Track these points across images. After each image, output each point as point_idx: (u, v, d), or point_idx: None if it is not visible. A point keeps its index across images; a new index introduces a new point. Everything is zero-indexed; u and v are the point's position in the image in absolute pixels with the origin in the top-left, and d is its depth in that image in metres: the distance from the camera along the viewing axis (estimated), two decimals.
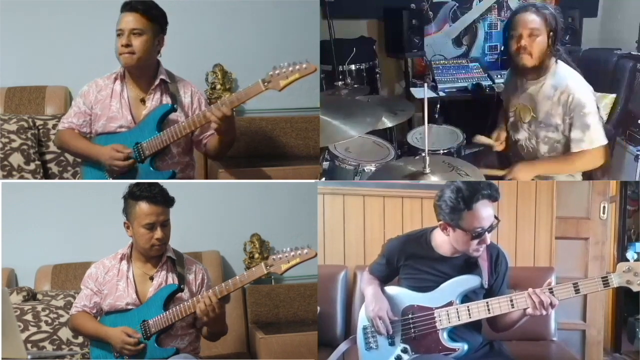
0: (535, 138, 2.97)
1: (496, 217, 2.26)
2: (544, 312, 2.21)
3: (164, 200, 2.51)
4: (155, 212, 2.49)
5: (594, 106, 2.81)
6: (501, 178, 2.90)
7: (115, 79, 2.77)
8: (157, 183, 2.54)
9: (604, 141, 2.84)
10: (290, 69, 2.56)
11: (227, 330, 2.71)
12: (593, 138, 2.80)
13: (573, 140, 2.83)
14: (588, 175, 3.06)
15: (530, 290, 2.22)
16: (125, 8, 2.66)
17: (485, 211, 2.22)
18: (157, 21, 2.70)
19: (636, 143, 3.54)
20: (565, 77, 2.84)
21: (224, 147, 2.82)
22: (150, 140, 2.68)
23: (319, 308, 3.17)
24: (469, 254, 2.32)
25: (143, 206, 2.49)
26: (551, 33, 2.80)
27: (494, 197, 2.24)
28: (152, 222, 2.49)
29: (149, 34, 2.66)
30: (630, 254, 3.57)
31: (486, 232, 2.25)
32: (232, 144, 2.86)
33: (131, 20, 2.64)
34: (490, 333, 2.47)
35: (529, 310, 2.22)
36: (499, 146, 3.19)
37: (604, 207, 3.66)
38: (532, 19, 2.80)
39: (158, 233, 2.50)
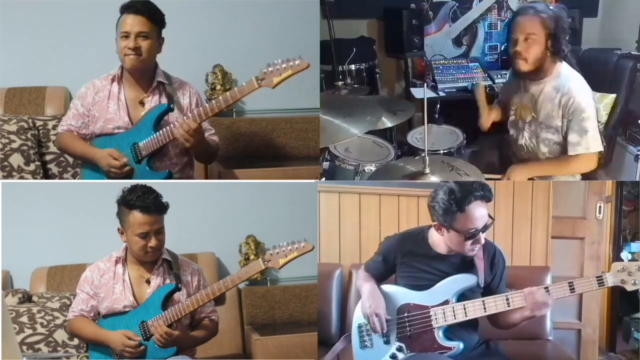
0: (535, 138, 2.98)
1: (490, 217, 2.26)
2: (538, 313, 2.22)
3: (157, 209, 2.49)
4: (149, 222, 2.48)
5: (593, 111, 2.82)
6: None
7: (113, 80, 2.77)
8: (151, 190, 2.51)
9: (600, 147, 2.86)
10: (284, 65, 2.55)
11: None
12: (590, 143, 2.81)
13: (570, 143, 2.84)
14: (587, 175, 3.06)
15: (526, 290, 2.22)
16: (130, 10, 2.65)
17: (478, 212, 2.21)
18: (160, 24, 2.71)
19: (636, 143, 3.54)
20: (568, 79, 2.83)
21: (200, 158, 2.88)
22: (147, 140, 2.68)
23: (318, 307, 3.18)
24: (464, 254, 2.32)
25: (137, 215, 2.47)
26: (550, 37, 2.77)
27: (487, 197, 2.23)
28: (146, 231, 2.48)
29: (153, 37, 2.67)
30: (624, 254, 3.57)
31: (480, 233, 2.24)
32: (208, 154, 2.89)
33: (137, 24, 2.63)
34: (486, 332, 2.47)
35: (526, 313, 2.22)
36: (486, 122, 3.19)
37: (600, 207, 3.67)
38: (529, 24, 2.78)
39: (152, 241, 2.50)
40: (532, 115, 2.95)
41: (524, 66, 2.83)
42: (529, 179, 2.98)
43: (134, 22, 2.63)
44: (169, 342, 2.48)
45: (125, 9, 2.66)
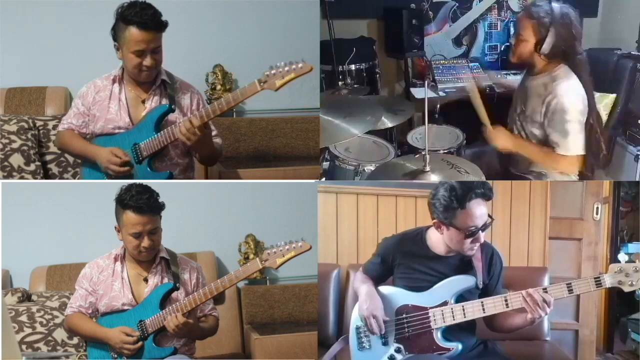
0: (523, 131, 2.98)
1: (490, 216, 2.27)
2: (542, 313, 2.21)
3: (150, 209, 2.48)
4: (142, 222, 2.48)
5: (577, 115, 2.78)
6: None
7: (114, 80, 2.75)
8: (146, 190, 2.51)
9: (581, 151, 2.83)
10: (287, 68, 2.52)
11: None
12: (570, 146, 2.80)
13: (552, 142, 2.83)
14: (585, 176, 3.06)
15: (524, 292, 2.22)
16: (141, 26, 2.53)
17: (478, 210, 2.23)
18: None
19: (636, 143, 3.55)
20: (560, 79, 2.82)
21: (203, 159, 2.87)
22: (148, 141, 2.67)
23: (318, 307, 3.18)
24: (463, 253, 2.32)
25: (130, 215, 2.47)
26: (541, 42, 2.79)
27: (487, 195, 2.25)
28: (138, 231, 2.49)
29: (161, 45, 2.64)
30: (621, 255, 3.58)
31: (480, 231, 2.25)
32: (212, 157, 2.86)
33: (152, 40, 2.57)
34: (484, 332, 2.47)
35: (529, 316, 2.22)
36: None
37: (597, 208, 3.67)
38: (523, 27, 2.85)
39: (145, 242, 2.50)
40: (521, 107, 2.97)
41: (510, 57, 2.99)
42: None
43: (148, 39, 2.56)
44: (185, 331, 2.50)
45: (132, 23, 2.54)
